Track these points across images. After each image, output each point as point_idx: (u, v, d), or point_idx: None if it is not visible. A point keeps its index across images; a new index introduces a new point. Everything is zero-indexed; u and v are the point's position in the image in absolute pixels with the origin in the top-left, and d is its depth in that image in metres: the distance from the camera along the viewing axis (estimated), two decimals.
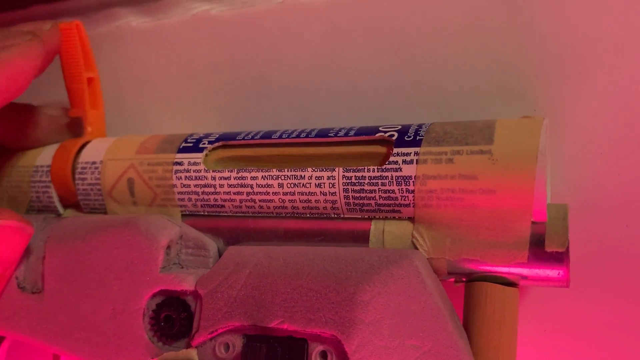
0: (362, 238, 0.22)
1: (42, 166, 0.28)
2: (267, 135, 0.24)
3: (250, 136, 0.24)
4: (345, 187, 0.22)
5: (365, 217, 0.22)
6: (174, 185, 0.25)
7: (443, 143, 0.21)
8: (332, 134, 0.23)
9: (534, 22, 0.24)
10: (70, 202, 0.28)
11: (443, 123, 0.22)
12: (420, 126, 0.22)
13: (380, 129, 0.22)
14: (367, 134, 0.22)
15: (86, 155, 0.27)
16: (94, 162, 0.26)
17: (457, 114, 0.25)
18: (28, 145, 0.29)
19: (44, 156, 0.28)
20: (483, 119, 0.24)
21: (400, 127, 0.22)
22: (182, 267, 0.24)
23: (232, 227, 0.24)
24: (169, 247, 0.24)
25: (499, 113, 0.24)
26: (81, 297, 0.24)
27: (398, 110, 0.26)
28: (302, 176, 0.22)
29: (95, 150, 0.27)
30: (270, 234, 0.24)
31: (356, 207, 0.22)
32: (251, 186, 0.23)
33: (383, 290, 0.20)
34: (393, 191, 0.21)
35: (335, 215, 0.23)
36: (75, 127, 0.29)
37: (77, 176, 0.27)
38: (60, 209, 0.28)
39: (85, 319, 0.24)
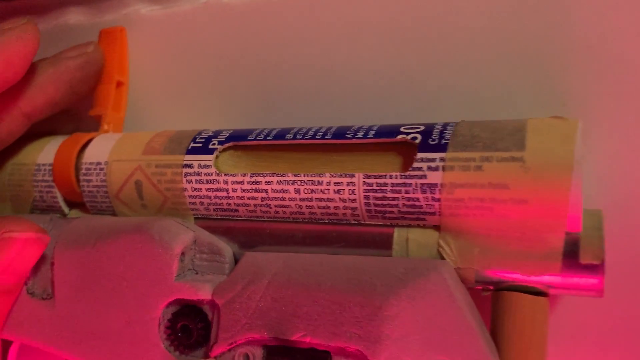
0: (384, 245, 0.21)
1: (43, 165, 0.27)
2: (281, 134, 0.23)
3: (262, 136, 0.23)
4: (366, 193, 0.21)
5: (388, 223, 0.21)
6: (185, 189, 0.23)
7: (471, 148, 0.20)
8: (350, 135, 0.22)
9: (564, 12, 0.22)
10: (76, 201, 0.27)
11: (469, 123, 0.21)
12: (444, 127, 0.21)
13: (401, 129, 0.21)
14: (387, 134, 0.21)
15: (90, 155, 0.26)
16: (98, 163, 0.25)
17: (481, 110, 0.23)
18: None
19: (46, 154, 0.27)
20: (508, 114, 0.23)
21: (423, 127, 0.21)
22: (197, 273, 0.23)
23: (247, 231, 0.23)
24: (183, 253, 0.23)
25: (526, 108, 0.23)
26: (94, 305, 0.24)
27: (420, 105, 0.25)
28: (320, 182, 0.21)
29: (99, 150, 0.26)
30: (287, 239, 0.23)
31: (378, 214, 0.21)
32: (266, 191, 0.22)
33: (410, 305, 0.19)
34: (417, 199, 0.20)
35: (356, 222, 0.22)
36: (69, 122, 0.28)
37: (81, 177, 0.26)
38: (66, 209, 0.27)
39: (99, 327, 0.24)
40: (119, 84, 0.28)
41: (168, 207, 0.24)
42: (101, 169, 0.25)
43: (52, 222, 0.26)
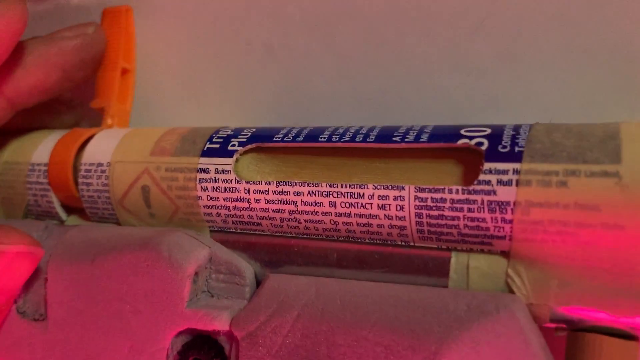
0: (438, 272, 0.18)
1: (38, 164, 0.23)
2: (313, 135, 0.19)
3: (291, 136, 0.19)
4: (418, 211, 0.17)
5: (443, 247, 0.17)
6: (199, 198, 0.20)
7: (552, 158, 0.16)
8: (398, 137, 0.18)
9: None
10: (75, 206, 0.23)
11: (547, 126, 0.17)
12: (517, 130, 0.17)
13: (462, 132, 0.17)
14: (445, 138, 0.17)
15: (90, 155, 0.22)
16: (100, 164, 0.22)
17: (558, 109, 0.20)
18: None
19: (41, 152, 0.23)
20: (588, 115, 0.19)
21: (489, 130, 0.17)
22: (213, 296, 0.20)
23: (271, 248, 0.20)
24: (196, 273, 0.19)
25: (609, 109, 0.19)
26: (92, 330, 0.20)
27: (484, 103, 0.21)
28: (361, 194, 0.18)
29: (100, 149, 0.22)
30: (319, 259, 0.19)
31: (432, 235, 0.17)
32: (295, 203, 0.19)
33: (474, 351, 0.15)
34: (484, 220, 0.16)
35: (403, 243, 0.18)
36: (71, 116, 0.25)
37: (80, 180, 0.22)
38: (63, 216, 0.24)
39: (98, 357, 0.20)
40: (125, 72, 0.25)
41: (179, 218, 0.21)
42: (103, 171, 0.22)
43: (47, 230, 0.23)
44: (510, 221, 0.16)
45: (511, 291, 0.17)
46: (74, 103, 0.27)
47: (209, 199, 0.20)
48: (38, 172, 0.23)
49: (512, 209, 0.16)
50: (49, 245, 0.22)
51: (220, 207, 0.20)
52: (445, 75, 0.21)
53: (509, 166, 0.16)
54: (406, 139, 0.18)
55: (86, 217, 0.23)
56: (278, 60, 0.24)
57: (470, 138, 0.17)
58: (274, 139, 0.19)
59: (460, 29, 0.20)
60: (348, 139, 0.19)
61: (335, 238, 0.19)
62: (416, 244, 0.18)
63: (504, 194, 0.16)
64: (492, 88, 0.21)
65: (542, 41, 0.20)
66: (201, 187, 0.20)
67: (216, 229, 0.21)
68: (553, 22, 0.19)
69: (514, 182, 0.16)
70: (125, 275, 0.20)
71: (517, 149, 0.16)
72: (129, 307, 0.20)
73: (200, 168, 0.20)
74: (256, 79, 0.25)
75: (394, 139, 0.18)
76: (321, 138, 0.19)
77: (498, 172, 0.16)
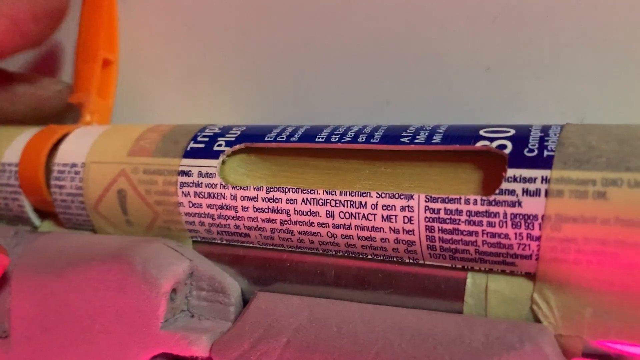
0: (452, 295, 0.15)
1: (9, 164, 0.21)
2: (310, 134, 0.17)
3: (285, 135, 0.17)
4: (429, 224, 0.15)
5: (458, 266, 0.15)
6: (180, 204, 0.18)
7: (588, 165, 0.13)
8: (407, 138, 0.15)
9: None
10: (49, 211, 0.21)
11: (581, 128, 0.14)
12: (545, 132, 0.14)
13: (482, 132, 0.15)
14: (461, 139, 0.15)
15: (64, 154, 0.20)
16: (73, 165, 0.20)
17: (588, 109, 0.17)
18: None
19: (13, 150, 0.21)
20: (622, 116, 0.17)
21: (513, 131, 0.15)
22: (193, 316, 0.18)
23: (261, 262, 0.17)
24: (174, 290, 0.17)
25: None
26: (57, 351, 0.18)
27: (503, 100, 0.18)
28: (363, 203, 0.15)
29: (75, 148, 0.20)
30: (314, 277, 0.17)
31: (445, 252, 0.15)
32: (287, 212, 0.16)
33: None
34: (506, 236, 0.14)
35: (412, 261, 0.16)
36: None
37: (52, 182, 0.20)
38: (36, 221, 0.22)
39: None
40: (107, 63, 0.22)
41: (159, 226, 0.18)
42: (77, 173, 0.20)
43: (17, 236, 0.20)
44: (538, 238, 0.14)
45: (537, 320, 0.14)
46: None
47: (191, 205, 0.17)
48: (9, 172, 0.21)
49: (540, 224, 0.13)
50: (18, 253, 0.20)
51: (203, 215, 0.17)
52: (460, 70, 0.19)
53: (537, 173, 0.14)
54: (416, 140, 0.15)
55: (61, 222, 0.21)
56: (275, 52, 0.22)
57: (491, 140, 0.15)
58: (266, 139, 0.17)
59: (477, 18, 0.18)
60: (349, 139, 0.16)
61: (333, 253, 0.16)
62: (426, 262, 0.15)
63: (531, 206, 0.13)
64: (512, 85, 0.18)
65: (570, 31, 0.17)
66: (182, 192, 0.17)
67: (199, 239, 0.18)
68: (583, 9, 0.17)
69: (542, 192, 0.13)
70: (94, 290, 0.17)
71: (546, 153, 0.14)
72: (99, 326, 0.17)
73: (181, 170, 0.18)
74: (252, 72, 0.23)
75: (402, 140, 0.16)
76: (319, 138, 0.17)
77: (524, 180, 0.14)
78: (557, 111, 0.17)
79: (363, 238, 0.16)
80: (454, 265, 0.15)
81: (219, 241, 0.18)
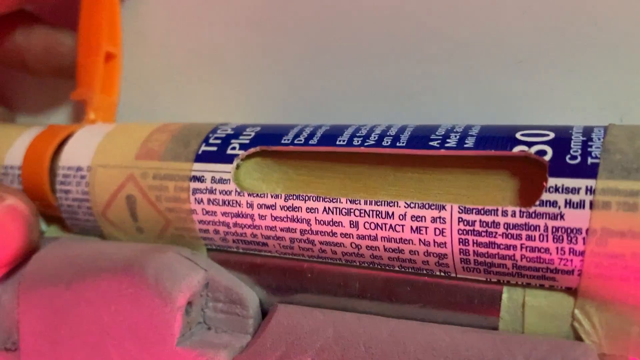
0: (486, 309, 0.14)
1: (11, 167, 0.20)
2: (330, 136, 0.16)
3: (303, 137, 0.16)
4: (463, 236, 0.14)
5: (493, 280, 0.14)
6: (193, 211, 0.17)
7: (637, 174, 0.12)
8: (436, 142, 0.14)
9: None
10: (55, 216, 0.20)
11: (629, 130, 0.13)
12: (588, 135, 0.13)
13: (519, 136, 0.14)
14: (496, 144, 0.14)
15: (69, 157, 0.19)
16: (79, 169, 0.19)
17: (629, 107, 0.16)
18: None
19: (14, 153, 0.20)
20: None
21: (553, 134, 0.14)
22: (210, 329, 0.17)
23: (280, 271, 0.17)
24: (190, 303, 0.16)
25: None
26: None
27: (536, 98, 0.17)
28: (390, 214, 0.14)
29: (80, 150, 0.19)
30: (337, 288, 0.16)
31: (479, 266, 0.14)
32: (308, 221, 0.15)
33: None
34: (547, 250, 0.13)
35: (443, 274, 0.15)
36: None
37: (58, 187, 0.19)
38: (42, 226, 0.21)
39: None
40: (110, 57, 0.21)
41: (171, 233, 0.18)
42: (82, 177, 0.19)
43: None
44: (582, 253, 0.13)
45: (578, 337, 0.13)
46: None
47: (204, 213, 0.17)
48: (11, 176, 0.20)
49: (584, 238, 0.12)
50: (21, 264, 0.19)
51: (218, 223, 0.16)
52: (491, 64, 0.17)
53: (581, 183, 0.13)
54: (447, 144, 0.14)
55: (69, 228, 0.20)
56: (287, 47, 0.21)
57: (529, 145, 0.13)
58: (283, 141, 0.16)
59: (507, 10, 0.17)
60: (373, 142, 0.15)
61: (358, 264, 0.16)
62: (458, 275, 0.14)
63: (575, 218, 0.12)
64: (546, 79, 0.17)
65: (607, 23, 0.16)
66: (195, 198, 0.17)
67: (214, 247, 0.17)
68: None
69: (587, 204, 0.12)
70: (106, 303, 0.17)
71: (590, 160, 0.13)
72: (111, 340, 0.17)
73: (194, 176, 0.17)
74: (263, 67, 0.22)
75: (431, 143, 0.14)
76: (340, 141, 0.15)
77: (567, 190, 0.13)
78: (594, 107, 0.16)
79: (390, 250, 0.15)
80: (488, 279, 0.14)
81: (235, 249, 0.17)
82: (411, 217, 0.14)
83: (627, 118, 0.16)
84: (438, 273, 0.15)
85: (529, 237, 0.13)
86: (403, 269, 0.15)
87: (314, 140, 0.16)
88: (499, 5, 0.17)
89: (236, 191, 0.16)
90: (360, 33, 0.20)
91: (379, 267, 0.15)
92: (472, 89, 0.18)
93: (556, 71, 0.17)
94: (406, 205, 0.14)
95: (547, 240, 0.13)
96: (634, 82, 0.16)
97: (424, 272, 0.15)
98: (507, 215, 0.13)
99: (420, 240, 0.14)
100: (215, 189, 0.16)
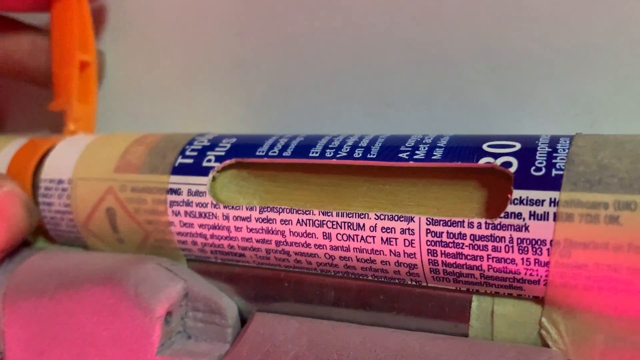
0: (457, 317, 0.14)
1: None
2: (303, 147, 0.16)
3: (277, 150, 0.16)
4: (431, 247, 0.14)
5: (462, 288, 0.14)
6: (171, 223, 0.17)
7: (600, 186, 0.12)
8: (405, 154, 0.15)
9: None
10: (39, 227, 0.20)
11: (593, 140, 0.13)
12: (553, 146, 0.14)
13: (485, 147, 0.14)
14: (463, 156, 0.14)
15: (50, 169, 0.19)
16: (60, 181, 0.19)
17: (602, 110, 0.16)
18: None
19: None
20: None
21: (519, 145, 0.14)
22: (189, 338, 0.17)
23: (258, 280, 0.17)
24: (169, 313, 0.17)
25: None
26: None
27: (510, 100, 0.17)
28: (361, 225, 0.14)
29: (61, 162, 0.19)
30: (313, 297, 0.16)
31: (448, 276, 0.14)
32: (282, 233, 0.15)
33: None
34: (512, 261, 0.13)
35: (414, 283, 0.15)
36: None
37: (40, 199, 0.19)
38: (29, 237, 0.21)
39: None
40: (84, 65, 0.21)
41: (151, 244, 0.18)
42: (64, 190, 0.19)
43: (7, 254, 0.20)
44: (546, 263, 0.13)
45: (546, 345, 0.14)
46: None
47: (182, 225, 0.17)
48: None
49: (548, 250, 0.13)
50: (9, 271, 0.19)
51: (195, 235, 0.17)
52: (465, 71, 0.18)
53: (545, 195, 0.13)
54: (415, 156, 0.14)
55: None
56: (271, 52, 0.21)
57: (496, 156, 0.14)
58: (257, 153, 0.16)
59: (483, 17, 0.17)
60: (345, 154, 0.15)
61: (333, 273, 0.16)
62: (429, 285, 0.15)
63: (539, 230, 0.13)
64: (520, 86, 0.17)
65: (580, 30, 0.16)
66: (172, 211, 0.17)
67: (194, 257, 0.18)
68: (592, 7, 0.16)
69: (551, 216, 0.13)
70: (89, 313, 0.17)
71: (554, 172, 0.13)
72: (94, 350, 0.17)
73: (170, 188, 0.17)
74: (249, 72, 0.22)
75: (400, 155, 0.15)
76: (313, 153, 0.16)
77: (531, 202, 0.13)
78: (568, 113, 0.16)
79: (362, 260, 0.15)
80: (458, 288, 0.14)
81: (214, 260, 0.17)
82: (381, 229, 0.14)
83: (598, 124, 0.16)
84: (409, 282, 0.15)
85: (494, 248, 0.13)
86: (376, 278, 0.15)
87: (288, 152, 0.16)
88: (473, 13, 0.17)
89: (212, 203, 0.16)
90: (341, 43, 0.20)
91: (352, 276, 0.16)
92: (446, 96, 0.18)
93: (529, 78, 0.17)
94: (376, 217, 0.14)
95: (512, 252, 0.13)
96: (606, 89, 0.16)
97: (396, 281, 0.15)
98: (473, 226, 0.13)
99: (390, 251, 0.14)
100: (192, 202, 0.16)
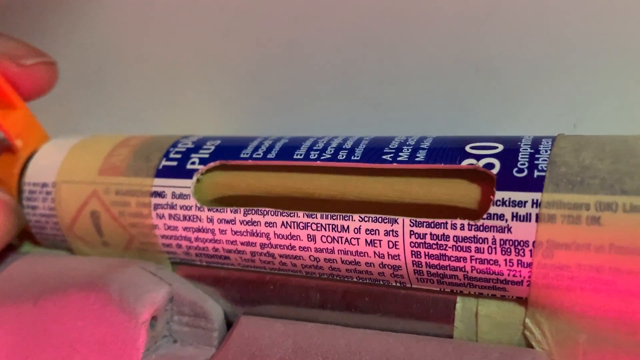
0: (441, 318, 0.15)
1: None
2: (288, 149, 0.16)
3: (261, 151, 0.16)
4: (415, 249, 0.14)
5: (447, 290, 0.14)
6: (155, 226, 0.17)
7: (581, 187, 0.12)
8: (389, 155, 0.15)
9: None
10: (25, 231, 0.20)
11: (575, 141, 0.13)
12: (535, 147, 0.14)
13: (468, 148, 0.14)
14: (446, 157, 0.14)
15: (34, 173, 0.19)
16: (44, 185, 0.19)
17: (584, 109, 0.16)
18: None
19: None
20: (620, 119, 0.16)
21: (501, 146, 0.14)
22: (175, 341, 0.17)
23: (243, 283, 0.17)
24: (154, 317, 0.16)
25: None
26: None
27: (496, 100, 0.17)
28: (345, 227, 0.14)
29: (45, 165, 0.19)
30: (299, 300, 0.16)
31: (432, 277, 0.14)
32: (267, 235, 0.15)
33: None
34: (495, 262, 0.13)
35: (399, 284, 0.15)
36: None
37: (25, 203, 0.19)
38: (14, 241, 0.21)
39: None
40: None
41: (136, 247, 0.18)
42: (48, 193, 0.19)
43: None
44: (529, 264, 0.13)
45: (529, 345, 0.14)
46: None
47: (166, 228, 0.17)
48: None
49: (531, 251, 0.13)
50: None
51: (180, 238, 0.17)
52: (449, 71, 0.18)
53: (527, 196, 0.13)
54: (399, 158, 0.14)
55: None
56: (259, 53, 0.21)
57: (478, 157, 0.14)
58: (242, 155, 0.16)
59: (466, 17, 0.17)
60: (329, 156, 0.15)
61: (318, 275, 0.16)
62: (413, 286, 0.15)
63: (521, 231, 0.13)
64: (504, 86, 0.17)
65: (564, 29, 0.16)
66: (157, 214, 0.17)
67: (179, 260, 0.17)
68: (576, 7, 0.16)
69: (533, 217, 0.13)
70: (73, 319, 0.17)
71: (536, 173, 0.13)
72: (79, 356, 0.17)
73: (154, 191, 0.17)
74: (235, 73, 0.22)
75: (384, 157, 0.15)
76: (297, 155, 0.16)
77: (513, 203, 0.13)
78: (552, 113, 0.16)
79: (347, 262, 0.15)
80: (442, 289, 0.14)
81: (199, 263, 0.17)
82: (365, 230, 0.14)
83: (581, 124, 0.16)
84: (394, 284, 0.15)
85: (478, 250, 0.13)
86: (361, 280, 0.15)
87: (272, 154, 0.16)
88: (458, 12, 0.17)
89: (196, 206, 0.16)
90: (326, 44, 0.20)
91: (338, 278, 0.16)
92: (430, 95, 0.18)
93: (513, 78, 0.17)
94: (360, 219, 0.14)
95: (495, 253, 0.13)
96: (589, 89, 0.16)
97: (381, 282, 0.15)
98: (456, 228, 0.13)
99: (374, 252, 0.14)
100: (176, 204, 0.16)
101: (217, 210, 0.16)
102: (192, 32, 0.22)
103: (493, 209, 0.13)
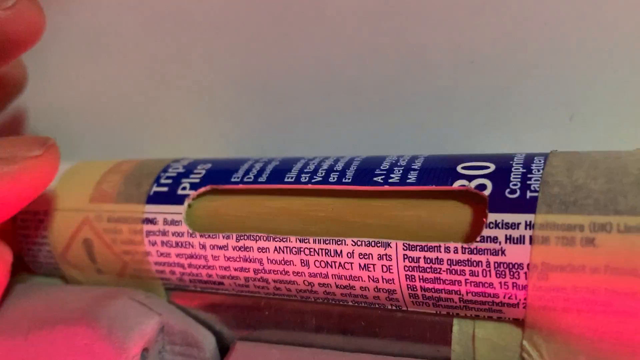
0: (438, 340, 0.14)
1: None
2: (279, 172, 0.16)
3: (252, 175, 0.16)
4: (409, 272, 0.14)
5: (443, 312, 0.14)
6: (148, 253, 0.17)
7: (575, 208, 0.12)
8: (380, 177, 0.14)
9: None
10: (19, 259, 0.20)
11: (567, 159, 0.13)
12: (527, 166, 0.13)
13: (460, 169, 0.14)
14: (438, 178, 0.14)
15: None
16: (36, 213, 0.19)
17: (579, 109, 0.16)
18: None
19: None
20: (616, 120, 0.16)
21: (493, 166, 0.14)
22: None
23: (238, 309, 0.17)
24: (146, 349, 0.16)
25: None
26: None
27: (488, 98, 0.17)
28: (338, 252, 0.14)
29: None
30: (294, 324, 0.16)
31: (427, 300, 0.14)
32: (260, 261, 0.15)
33: None
34: (490, 284, 0.13)
35: (394, 308, 0.15)
36: None
37: (17, 231, 0.19)
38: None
39: None
40: None
41: (130, 274, 0.18)
42: (40, 221, 0.18)
43: None
44: (524, 287, 0.13)
45: None
46: None
47: (159, 254, 0.17)
48: None
49: (526, 273, 0.13)
50: None
51: (173, 265, 0.16)
52: (443, 64, 0.17)
53: (520, 218, 0.13)
54: (390, 179, 0.14)
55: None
56: (247, 69, 0.21)
57: (470, 178, 0.14)
58: (233, 180, 0.16)
59: (460, 9, 0.17)
60: (320, 178, 0.15)
61: (313, 300, 0.16)
62: (409, 309, 0.15)
63: (515, 254, 0.13)
64: (499, 79, 0.17)
65: (559, 23, 0.16)
66: (149, 241, 0.16)
67: (173, 286, 0.17)
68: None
69: (527, 240, 0.12)
70: (62, 355, 0.17)
71: (529, 194, 0.13)
72: None
73: (146, 218, 0.17)
74: (227, 89, 0.22)
75: (375, 179, 0.14)
76: (288, 178, 0.15)
77: (506, 225, 0.13)
78: (547, 107, 0.16)
79: (341, 287, 0.15)
80: (438, 312, 0.14)
81: (193, 288, 0.17)
82: (359, 255, 0.14)
83: (576, 117, 0.16)
84: (390, 307, 0.15)
85: (472, 273, 0.13)
86: (356, 304, 0.15)
87: (263, 178, 0.16)
88: (451, 5, 0.17)
89: (188, 232, 0.16)
90: (317, 52, 0.20)
91: (333, 302, 0.15)
92: (423, 88, 0.18)
93: (507, 71, 0.17)
94: (353, 243, 0.14)
95: (490, 276, 0.13)
96: (584, 82, 0.16)
97: (377, 306, 0.15)
98: (449, 251, 0.13)
99: (369, 277, 0.14)
100: (168, 231, 0.16)
101: (209, 236, 0.16)
102: (179, 51, 0.22)
103: (486, 232, 0.13)
